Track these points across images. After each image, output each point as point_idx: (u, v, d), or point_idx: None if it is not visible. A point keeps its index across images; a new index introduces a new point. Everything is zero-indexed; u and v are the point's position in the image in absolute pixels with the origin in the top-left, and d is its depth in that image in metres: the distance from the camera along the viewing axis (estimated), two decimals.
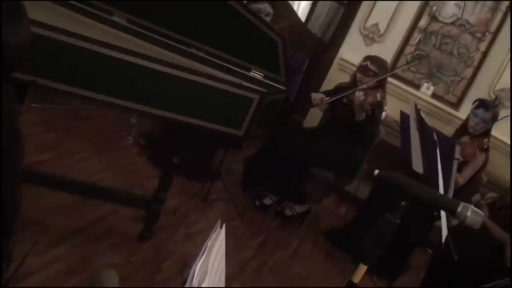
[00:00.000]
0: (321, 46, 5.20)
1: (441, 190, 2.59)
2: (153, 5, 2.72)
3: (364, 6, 4.86)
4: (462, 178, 3.46)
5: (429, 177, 2.78)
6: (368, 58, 3.81)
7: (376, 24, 4.83)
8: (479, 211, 1.36)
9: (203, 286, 0.91)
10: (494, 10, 4.49)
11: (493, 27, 4.50)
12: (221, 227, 1.13)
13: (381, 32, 4.82)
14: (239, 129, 2.59)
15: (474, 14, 4.56)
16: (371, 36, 4.86)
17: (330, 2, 5.30)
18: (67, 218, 2.79)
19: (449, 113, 4.63)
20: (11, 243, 1.15)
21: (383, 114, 4.16)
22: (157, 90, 2.39)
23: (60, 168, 3.17)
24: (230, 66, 2.76)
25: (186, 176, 3.71)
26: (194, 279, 0.91)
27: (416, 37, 4.76)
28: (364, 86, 3.70)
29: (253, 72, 2.78)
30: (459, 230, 3.00)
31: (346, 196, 4.63)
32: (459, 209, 1.35)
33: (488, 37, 4.54)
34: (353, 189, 4.37)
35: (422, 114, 3.04)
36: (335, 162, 3.71)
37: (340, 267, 3.47)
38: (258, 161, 3.86)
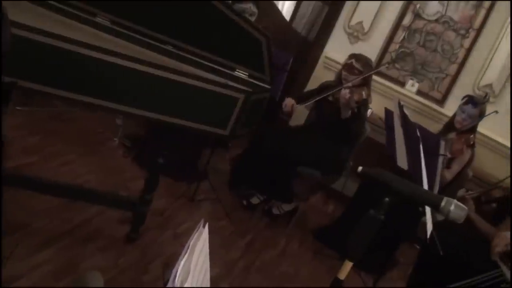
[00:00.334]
0: (306, 45, 5.21)
1: (425, 186, 2.61)
2: (136, 5, 2.70)
3: (348, 5, 4.87)
4: (449, 174, 3.49)
5: (414, 173, 2.79)
6: (353, 56, 3.82)
7: (361, 23, 4.84)
8: (463, 205, 1.37)
9: (185, 285, 0.91)
10: (477, 7, 4.52)
11: (477, 23, 4.54)
12: (204, 226, 1.12)
13: (366, 30, 4.84)
14: (225, 129, 2.59)
15: (458, 11, 4.59)
16: (356, 34, 4.88)
17: (314, 1, 5.31)
18: (53, 221, 2.77)
19: (434, 110, 4.66)
20: None
21: (369, 111, 4.19)
22: (142, 90, 2.39)
23: (45, 171, 3.15)
24: (215, 66, 2.75)
25: (172, 176, 3.70)
26: (177, 279, 0.91)
27: (400, 34, 4.79)
28: (349, 84, 3.71)
29: (238, 72, 2.78)
30: (445, 225, 3.03)
31: (333, 194, 4.64)
32: (443, 204, 1.37)
33: (472, 34, 4.57)
34: (340, 187, 4.38)
35: (406, 111, 3.05)
36: (322, 160, 3.72)
37: (328, 264, 3.48)
38: (245, 160, 3.86)
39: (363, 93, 3.65)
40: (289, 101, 3.74)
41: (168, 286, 0.92)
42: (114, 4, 2.72)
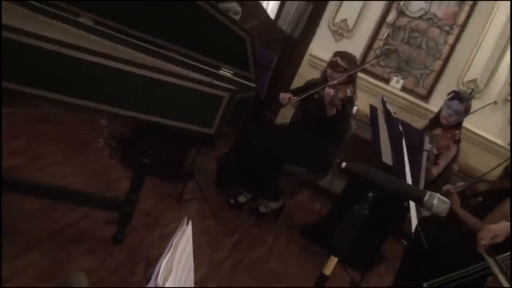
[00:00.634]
0: (291, 43, 5.22)
1: (409, 181, 2.63)
2: (120, 5, 2.69)
3: (332, 3, 4.89)
4: (436, 170, 3.52)
5: (398, 169, 2.81)
6: (338, 54, 3.84)
7: (345, 20, 4.86)
8: (445, 199, 1.39)
9: (167, 283, 0.90)
10: (461, 3, 4.56)
11: (461, 20, 4.58)
12: (187, 224, 1.12)
13: (350, 27, 4.86)
14: (210, 128, 2.58)
15: (442, 7, 4.63)
16: (340, 32, 4.89)
17: (299, 0, 5.32)
18: (38, 223, 2.74)
19: (419, 106, 4.69)
20: None
21: (354, 108, 4.20)
22: (127, 90, 2.37)
23: (30, 173, 3.12)
24: (199, 65, 2.75)
25: (158, 176, 3.69)
26: (159, 277, 0.91)
27: (385, 32, 4.82)
28: (334, 81, 3.73)
29: (223, 70, 2.77)
30: (431, 220, 3.05)
31: (320, 191, 4.66)
32: (426, 198, 1.38)
33: (456, 30, 4.61)
34: (327, 184, 4.40)
35: (392, 107, 3.07)
36: (308, 157, 3.73)
37: (315, 262, 3.49)
38: (231, 159, 3.86)
39: (348, 90, 3.67)
40: (285, 95, 3.75)
41: (150, 283, 0.91)
42: (97, 4, 2.70)
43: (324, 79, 3.87)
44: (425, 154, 2.77)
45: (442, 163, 3.55)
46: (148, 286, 0.93)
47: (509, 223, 2.48)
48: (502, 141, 4.31)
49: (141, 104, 2.41)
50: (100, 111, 2.42)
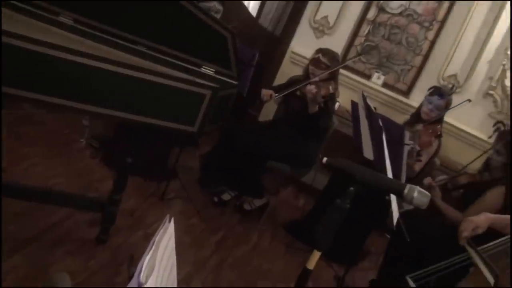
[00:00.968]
0: (272, 41, 5.23)
1: (390, 175, 2.65)
2: (101, 4, 2.67)
3: (313, 1, 4.91)
4: (418, 165, 3.55)
5: (379, 163, 2.83)
6: (320, 51, 3.85)
7: (326, 17, 4.88)
8: (425, 191, 1.41)
9: (149, 281, 0.91)
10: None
11: (440, 16, 4.62)
12: (169, 221, 1.12)
13: (331, 24, 4.88)
14: (193, 126, 2.58)
15: (421, 4, 4.67)
16: (321, 29, 4.91)
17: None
18: (21, 226, 2.71)
19: (400, 101, 4.73)
20: None
21: (336, 105, 4.22)
22: (108, 90, 2.35)
23: (12, 175, 3.08)
24: (181, 63, 2.74)
25: (142, 176, 3.67)
26: (142, 274, 0.91)
27: (365, 28, 4.85)
28: (316, 78, 3.75)
29: (204, 68, 2.77)
30: (414, 213, 3.09)
31: (303, 188, 4.67)
32: (406, 191, 1.40)
33: (436, 26, 4.65)
34: (310, 180, 4.41)
35: (373, 103, 3.10)
36: (291, 154, 3.75)
37: (300, 258, 3.50)
38: (215, 157, 3.86)
39: (330, 87, 3.68)
40: (267, 91, 3.76)
41: (132, 280, 0.91)
42: (78, 4, 2.68)
43: (306, 76, 3.89)
44: (406, 149, 2.79)
45: (424, 158, 3.59)
46: (130, 283, 0.93)
47: (489, 214, 2.51)
48: (483, 135, 4.37)
49: (123, 103, 2.40)
50: (83, 111, 2.40)
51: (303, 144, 3.78)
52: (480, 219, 2.47)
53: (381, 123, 2.72)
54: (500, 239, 2.27)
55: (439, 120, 3.70)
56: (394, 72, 4.81)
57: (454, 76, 4.57)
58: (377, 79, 4.79)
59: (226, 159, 3.73)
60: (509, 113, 4.41)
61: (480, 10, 4.45)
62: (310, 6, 4.93)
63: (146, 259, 0.96)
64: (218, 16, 4.03)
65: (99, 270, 2.66)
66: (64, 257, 2.64)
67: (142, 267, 0.92)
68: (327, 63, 3.77)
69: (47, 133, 3.86)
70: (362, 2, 4.78)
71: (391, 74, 4.82)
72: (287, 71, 4.81)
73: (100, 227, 2.87)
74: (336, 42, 4.75)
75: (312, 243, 1.53)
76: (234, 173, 3.74)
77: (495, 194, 3.09)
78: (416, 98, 4.49)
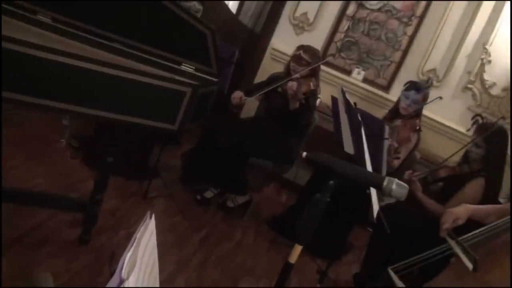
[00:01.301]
0: (253, 37, 5.24)
1: (370, 169, 2.67)
2: (80, 3, 2.65)
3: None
4: (397, 161, 3.58)
5: (359, 158, 2.86)
6: (301, 47, 3.87)
7: (305, 14, 4.90)
8: (404, 184, 1.43)
9: (131, 277, 0.91)
10: None
11: (419, 11, 4.68)
12: (150, 218, 1.12)
13: (310, 21, 4.90)
14: (173, 124, 2.57)
15: None
16: (301, 25, 4.93)
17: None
18: (3, 228, 2.69)
19: (380, 96, 4.78)
20: None
21: (317, 101, 4.24)
22: (87, 89, 2.33)
23: None
24: (160, 61, 2.74)
25: (123, 175, 3.65)
26: (123, 270, 0.91)
27: (345, 24, 4.88)
28: (297, 75, 3.76)
29: (184, 66, 2.76)
30: (395, 207, 3.12)
31: (286, 184, 4.70)
32: (385, 183, 1.42)
33: (415, 21, 4.71)
34: (292, 176, 4.44)
35: (354, 98, 3.11)
36: (273, 151, 3.76)
37: (284, 253, 3.51)
38: (197, 155, 3.85)
39: (311, 84, 3.69)
40: (237, 94, 3.75)
41: (114, 277, 0.91)
42: (58, 3, 2.66)
43: (287, 72, 3.90)
44: (386, 143, 2.82)
45: (403, 154, 3.61)
46: (112, 279, 0.94)
47: (469, 206, 2.55)
48: (462, 128, 4.42)
49: (103, 102, 2.38)
50: (63, 111, 2.38)
51: (284, 140, 3.79)
52: (460, 211, 2.51)
53: (360, 118, 2.74)
54: (480, 229, 2.31)
55: (417, 115, 3.73)
56: (374, 67, 4.85)
57: (433, 70, 4.63)
58: (358, 75, 4.83)
59: (208, 156, 3.73)
60: (487, 107, 4.49)
61: (459, 4, 4.50)
62: (290, 3, 4.95)
63: (128, 255, 0.96)
64: (198, 15, 4.02)
65: (82, 270, 2.64)
66: (46, 258, 2.61)
67: (123, 263, 0.93)
68: (308, 60, 3.79)
69: (26, 134, 3.82)
70: None
71: (371, 70, 4.86)
72: (268, 67, 4.83)
73: (82, 227, 2.85)
74: (316, 39, 4.77)
75: (294, 237, 1.55)
76: (217, 171, 3.74)
77: (475, 187, 3.14)
78: (396, 93, 4.53)
